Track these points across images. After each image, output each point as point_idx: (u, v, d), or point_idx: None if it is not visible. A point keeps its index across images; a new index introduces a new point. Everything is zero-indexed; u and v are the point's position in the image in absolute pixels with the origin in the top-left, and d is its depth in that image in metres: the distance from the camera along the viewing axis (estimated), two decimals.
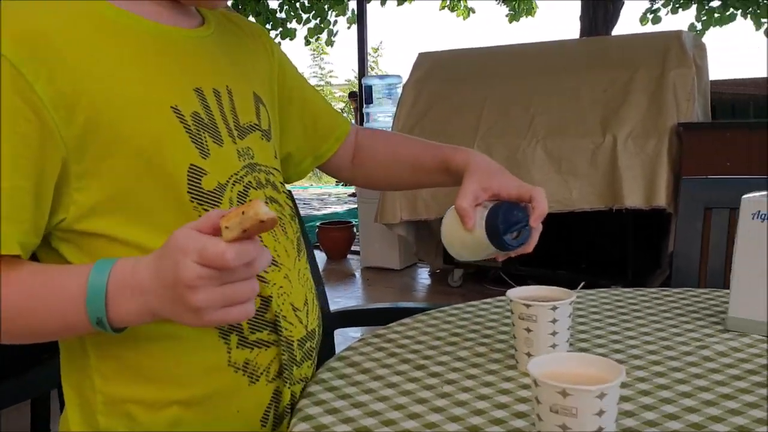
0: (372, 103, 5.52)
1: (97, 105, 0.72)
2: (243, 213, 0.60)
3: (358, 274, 4.79)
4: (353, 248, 5.24)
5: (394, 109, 4.34)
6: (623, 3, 7.17)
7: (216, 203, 0.79)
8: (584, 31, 6.99)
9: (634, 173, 3.45)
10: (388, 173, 1.11)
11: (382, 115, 5.50)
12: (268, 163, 0.89)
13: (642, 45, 3.78)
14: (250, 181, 0.84)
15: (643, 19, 8.75)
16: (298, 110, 1.04)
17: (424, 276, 4.66)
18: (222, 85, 0.85)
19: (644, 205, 3.42)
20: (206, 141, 0.79)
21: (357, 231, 5.15)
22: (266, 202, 0.84)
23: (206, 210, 0.77)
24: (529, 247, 0.91)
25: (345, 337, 3.07)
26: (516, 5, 9.47)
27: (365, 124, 5.63)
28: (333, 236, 5.23)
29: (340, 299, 4.17)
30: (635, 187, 3.43)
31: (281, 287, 0.84)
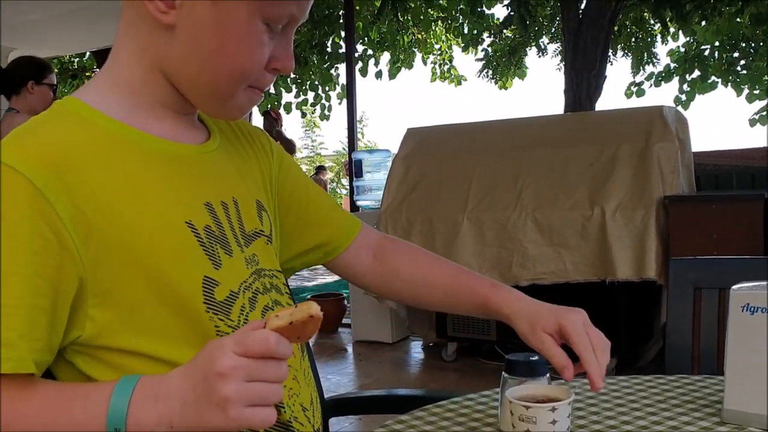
0: (362, 176, 5.59)
1: (114, 224, 0.73)
2: (296, 307, 0.66)
3: (350, 348, 4.74)
4: (344, 320, 5.19)
5: (383, 182, 4.39)
6: (605, 77, 7.39)
7: (228, 311, 0.81)
8: (568, 104, 7.17)
9: (624, 245, 3.48)
10: (417, 294, 1.09)
11: (371, 188, 5.57)
12: (271, 267, 0.92)
13: (625, 120, 3.88)
14: (257, 287, 0.87)
15: (627, 93, 9.01)
16: (300, 209, 1.05)
17: (417, 350, 4.61)
18: (229, 197, 0.88)
19: (635, 277, 3.45)
20: (218, 253, 0.82)
21: (348, 303, 5.11)
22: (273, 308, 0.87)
23: (221, 320, 0.80)
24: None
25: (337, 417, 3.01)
26: (504, 78, 9.74)
27: (355, 197, 5.68)
28: (324, 309, 5.09)
29: (332, 376, 4.11)
30: (626, 260, 3.46)
31: (291, 389, 0.86)
